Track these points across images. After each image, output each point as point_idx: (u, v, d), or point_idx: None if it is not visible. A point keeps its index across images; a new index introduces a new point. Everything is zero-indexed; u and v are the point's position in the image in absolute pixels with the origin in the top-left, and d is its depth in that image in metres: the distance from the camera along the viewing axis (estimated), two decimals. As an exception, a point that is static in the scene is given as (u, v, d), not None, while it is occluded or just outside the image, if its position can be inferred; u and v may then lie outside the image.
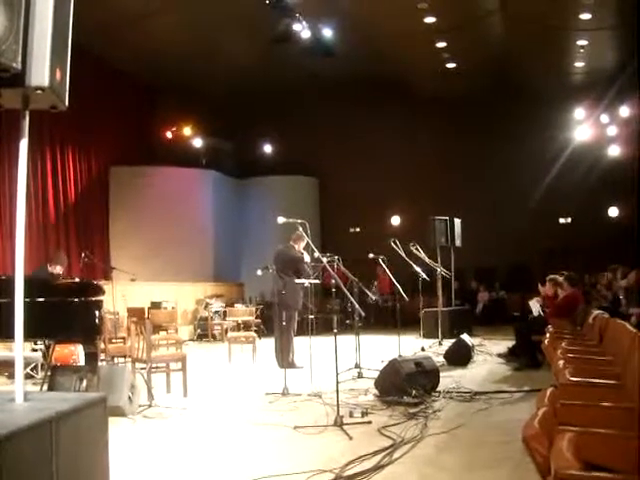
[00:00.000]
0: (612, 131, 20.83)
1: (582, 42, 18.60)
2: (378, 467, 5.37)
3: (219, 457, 5.88)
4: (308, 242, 9.21)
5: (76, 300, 7.24)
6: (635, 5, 15.49)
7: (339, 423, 6.71)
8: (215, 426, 7.10)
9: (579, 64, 20.49)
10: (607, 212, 22.48)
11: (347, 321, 15.61)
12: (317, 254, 9.49)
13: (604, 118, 20.78)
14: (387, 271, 11.96)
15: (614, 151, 20.98)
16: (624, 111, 20.08)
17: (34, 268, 11.98)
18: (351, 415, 7.17)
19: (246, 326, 15.25)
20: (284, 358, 10.83)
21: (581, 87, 21.65)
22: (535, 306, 12.42)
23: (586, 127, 21.17)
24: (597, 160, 21.05)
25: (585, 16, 16.79)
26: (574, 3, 16.27)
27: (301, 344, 11.47)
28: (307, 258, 11.28)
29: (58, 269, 11.20)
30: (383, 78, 21.90)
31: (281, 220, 8.49)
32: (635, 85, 18.60)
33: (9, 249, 15.17)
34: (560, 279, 11.36)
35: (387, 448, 5.87)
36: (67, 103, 3.94)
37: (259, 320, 17.53)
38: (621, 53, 19.50)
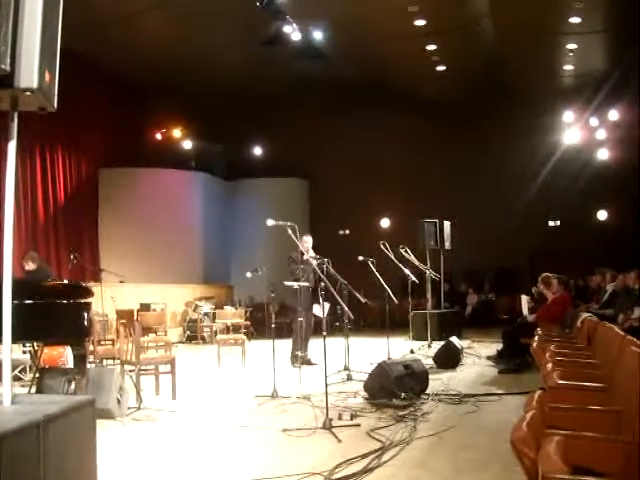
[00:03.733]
0: (601, 134, 20.89)
1: (572, 45, 18.65)
2: (367, 470, 5.37)
3: (208, 460, 5.87)
4: (298, 244, 9.19)
5: (65, 302, 7.22)
6: (624, 9, 15.59)
7: (328, 426, 6.70)
8: (204, 429, 7.09)
9: (568, 67, 20.55)
10: (596, 215, 22.55)
11: (336, 323, 15.62)
12: (306, 256, 9.50)
13: (593, 121, 20.85)
14: (376, 273, 11.97)
15: (603, 154, 21.05)
16: (613, 114, 20.16)
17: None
18: (340, 418, 7.17)
19: (235, 328, 15.23)
20: (292, 358, 11.11)
21: (570, 90, 21.71)
22: (525, 303, 12.50)
23: (575, 130, 21.23)
24: (586, 163, 21.13)
25: (575, 20, 16.84)
26: (564, 7, 16.31)
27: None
28: (311, 254, 11.33)
29: (31, 265, 11.28)
30: (373, 80, 21.93)
31: (270, 222, 8.49)
32: (624, 88, 18.69)
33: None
34: (552, 278, 11.40)
35: (376, 451, 5.86)
36: (56, 105, 3.93)
37: (248, 322, 17.51)
38: (610, 57, 19.57)
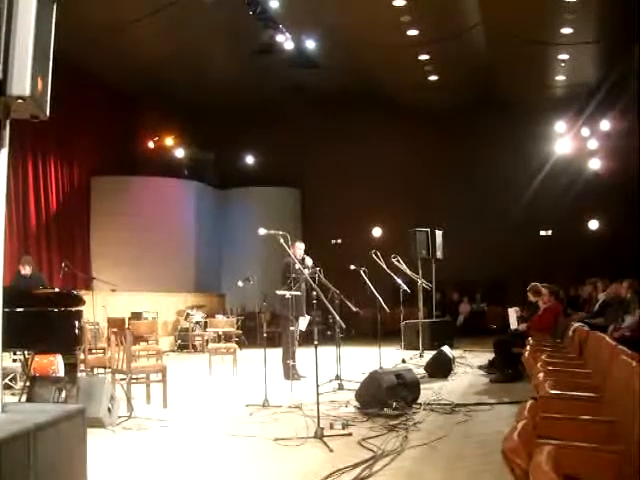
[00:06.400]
0: (593, 144, 20.93)
1: (563, 56, 18.73)
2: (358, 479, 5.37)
3: (198, 469, 5.85)
4: (289, 253, 9.19)
5: (56, 310, 7.21)
6: (615, 20, 15.66)
7: (319, 435, 6.69)
8: (195, 438, 7.07)
9: (560, 78, 20.63)
10: (587, 225, 22.61)
11: (328, 332, 15.62)
12: (298, 265, 9.50)
13: (585, 131, 20.89)
14: (368, 282, 11.95)
15: (595, 164, 21.09)
16: (604, 125, 20.20)
17: (11, 278, 11.89)
18: (331, 427, 7.16)
19: (227, 337, 15.21)
20: (285, 370, 11.10)
21: (562, 100, 21.78)
22: (513, 316, 12.48)
23: (567, 140, 21.27)
24: (578, 173, 21.18)
25: (566, 30, 16.92)
26: (555, 18, 16.38)
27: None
28: (309, 261, 11.39)
29: (28, 269, 11.30)
30: (366, 90, 21.98)
31: (262, 231, 8.48)
32: (615, 99, 18.77)
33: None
34: (541, 288, 11.43)
35: (367, 460, 5.85)
36: (48, 113, 3.93)
37: (240, 331, 17.48)
38: (602, 67, 19.65)
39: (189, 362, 15.61)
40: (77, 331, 7.24)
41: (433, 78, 21.00)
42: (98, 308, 12.41)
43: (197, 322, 18.93)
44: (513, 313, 12.52)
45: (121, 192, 21.14)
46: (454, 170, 22.73)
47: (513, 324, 12.29)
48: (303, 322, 11.48)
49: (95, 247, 21.01)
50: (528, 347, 8.80)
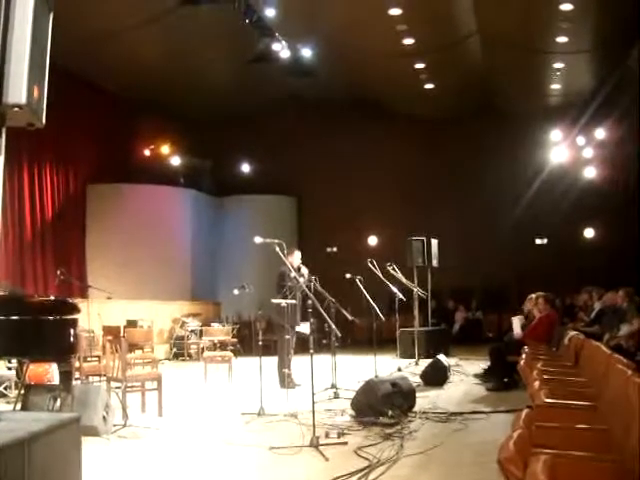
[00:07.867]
0: (588, 153, 20.95)
1: (559, 65, 18.78)
2: (354, 488, 5.36)
3: (194, 478, 5.83)
4: (285, 262, 9.17)
5: (51, 318, 7.18)
6: (610, 29, 15.71)
7: (315, 444, 6.67)
8: (190, 446, 7.05)
9: (555, 86, 20.68)
10: (583, 233, 22.63)
11: (324, 341, 15.59)
12: (293, 274, 9.49)
13: (580, 140, 20.91)
14: (363, 291, 11.94)
15: (590, 173, 21.11)
16: (600, 133, 20.23)
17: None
18: (327, 436, 7.14)
19: (222, 345, 15.17)
20: (280, 378, 11.14)
21: (557, 109, 21.81)
22: (517, 324, 12.46)
23: (562, 149, 21.29)
24: (573, 182, 21.18)
25: (562, 39, 16.96)
26: (551, 26, 16.42)
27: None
28: (305, 270, 11.41)
29: None
30: (362, 98, 22.03)
31: (258, 240, 8.46)
32: (610, 108, 18.80)
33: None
34: (540, 296, 11.43)
35: (363, 469, 5.84)
36: (44, 121, 3.93)
37: (235, 339, 17.45)
38: (597, 76, 19.69)
39: (184, 370, 15.57)
40: (72, 339, 7.21)
41: (429, 86, 21.03)
42: (93, 316, 12.36)
43: (193, 330, 18.88)
44: (517, 322, 12.49)
45: (117, 200, 21.12)
46: (450, 178, 22.76)
47: (517, 332, 12.26)
48: (305, 327, 11.38)
49: (90, 255, 20.97)
50: (524, 355, 8.79)
